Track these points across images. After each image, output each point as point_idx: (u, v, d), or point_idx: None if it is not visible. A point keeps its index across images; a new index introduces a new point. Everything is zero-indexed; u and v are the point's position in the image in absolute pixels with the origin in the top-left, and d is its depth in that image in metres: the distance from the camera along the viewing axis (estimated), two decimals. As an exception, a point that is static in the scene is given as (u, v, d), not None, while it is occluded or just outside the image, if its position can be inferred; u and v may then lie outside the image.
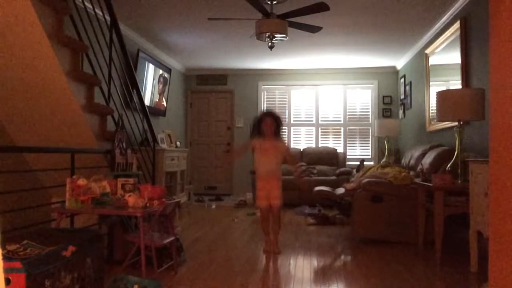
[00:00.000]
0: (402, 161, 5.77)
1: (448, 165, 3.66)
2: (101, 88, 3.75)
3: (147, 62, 6.35)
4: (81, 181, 2.86)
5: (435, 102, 3.88)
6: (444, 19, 5.09)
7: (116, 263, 3.14)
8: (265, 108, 8.18)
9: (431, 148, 4.70)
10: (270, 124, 3.77)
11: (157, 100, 6.83)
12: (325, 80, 8.28)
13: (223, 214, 6.15)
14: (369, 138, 8.26)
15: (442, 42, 5.27)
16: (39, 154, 3.49)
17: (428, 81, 5.90)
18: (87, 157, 3.52)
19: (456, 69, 4.66)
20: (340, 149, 8.12)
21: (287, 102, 8.49)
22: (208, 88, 8.65)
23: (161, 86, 6.93)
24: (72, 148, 3.36)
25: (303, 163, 7.56)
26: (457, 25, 4.66)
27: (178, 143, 7.14)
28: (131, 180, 3.06)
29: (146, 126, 4.65)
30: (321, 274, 3.22)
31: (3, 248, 2.08)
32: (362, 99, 8.33)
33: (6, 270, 1.81)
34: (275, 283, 2.98)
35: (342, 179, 6.65)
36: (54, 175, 3.27)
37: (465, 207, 3.24)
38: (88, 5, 4.06)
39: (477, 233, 3.03)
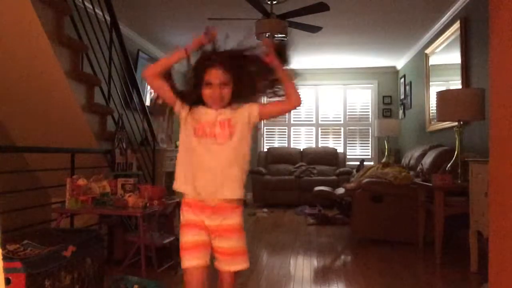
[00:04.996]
0: (402, 161, 5.76)
1: (448, 165, 3.66)
2: (101, 88, 3.75)
3: (149, 63, 6.35)
4: (81, 181, 2.86)
5: (435, 102, 3.88)
6: (444, 19, 5.09)
7: (116, 263, 3.14)
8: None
9: (431, 148, 4.70)
10: (222, 76, 1.66)
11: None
12: (325, 80, 8.28)
13: (223, 214, 6.14)
14: (369, 138, 8.26)
15: (442, 42, 5.27)
16: (39, 154, 3.49)
17: (428, 81, 5.90)
18: (87, 157, 3.52)
19: (456, 69, 4.66)
20: (340, 149, 8.11)
21: (287, 102, 8.48)
22: (208, 88, 8.64)
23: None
24: (72, 148, 3.36)
25: (303, 163, 7.56)
26: (457, 25, 4.66)
27: (178, 143, 7.14)
28: (131, 180, 3.07)
29: (146, 126, 4.65)
30: (321, 274, 3.22)
31: (3, 248, 2.08)
32: (362, 99, 8.33)
33: (6, 270, 1.81)
34: (275, 283, 2.98)
35: (342, 179, 6.66)
36: (54, 175, 3.27)
37: (465, 207, 3.24)
38: (88, 5, 4.06)
39: (477, 233, 3.03)
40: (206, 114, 1.69)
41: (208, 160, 1.64)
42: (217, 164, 1.64)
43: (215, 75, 1.65)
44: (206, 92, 1.66)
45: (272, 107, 1.77)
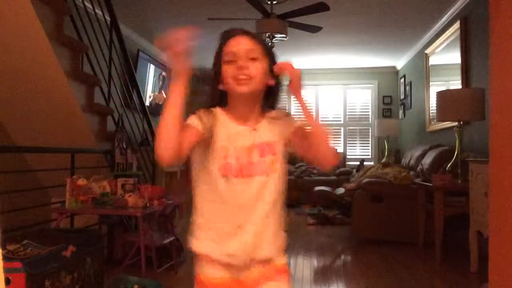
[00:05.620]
0: (402, 161, 5.76)
1: (448, 165, 3.66)
2: (101, 88, 3.74)
3: (149, 64, 6.35)
4: (81, 181, 2.86)
5: (435, 102, 3.88)
6: (444, 19, 5.09)
7: (116, 263, 3.14)
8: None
9: (431, 148, 4.69)
10: (250, 44, 1.14)
11: (157, 93, 6.86)
12: (325, 80, 8.28)
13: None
14: (369, 138, 8.26)
15: (442, 42, 5.27)
16: (39, 154, 3.48)
17: (428, 81, 5.89)
18: (87, 157, 3.52)
19: (456, 69, 4.66)
20: (340, 149, 8.12)
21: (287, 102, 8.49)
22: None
23: (161, 83, 6.97)
24: (72, 148, 3.36)
25: (303, 163, 7.56)
26: (457, 25, 4.66)
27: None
28: (131, 180, 3.06)
29: (146, 126, 4.65)
30: (321, 274, 3.22)
31: (3, 248, 2.08)
32: (362, 99, 8.33)
33: (6, 270, 1.81)
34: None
35: (342, 179, 6.66)
36: (54, 175, 3.27)
37: (465, 207, 3.24)
38: (88, 5, 4.06)
39: (477, 233, 3.03)
40: (236, 134, 1.13)
41: (244, 207, 1.11)
42: (258, 213, 1.12)
43: (239, 42, 1.13)
44: (227, 72, 1.12)
45: (301, 141, 1.16)
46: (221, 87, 1.15)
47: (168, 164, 1.05)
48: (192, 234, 1.17)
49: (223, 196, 1.11)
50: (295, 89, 1.14)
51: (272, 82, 1.16)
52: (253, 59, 1.12)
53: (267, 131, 1.16)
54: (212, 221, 1.13)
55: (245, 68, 1.10)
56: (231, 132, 1.13)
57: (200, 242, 1.15)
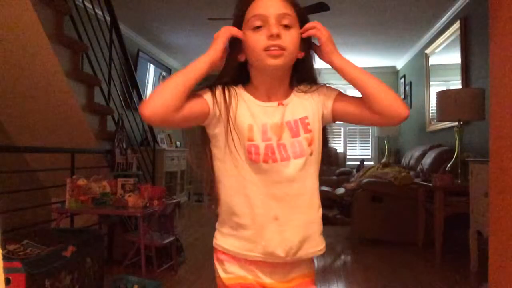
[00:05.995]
0: (402, 161, 5.76)
1: (448, 165, 3.66)
2: (101, 88, 3.75)
3: (149, 64, 6.36)
4: (81, 181, 2.86)
5: (435, 102, 3.88)
6: (444, 19, 5.09)
7: (116, 263, 3.14)
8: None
9: (431, 148, 4.70)
10: (282, 6, 0.96)
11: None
12: (325, 80, 8.23)
13: (223, 214, 6.13)
14: (369, 138, 8.26)
15: (442, 42, 5.27)
16: (39, 154, 3.49)
17: (428, 81, 5.90)
18: (87, 157, 3.52)
19: (456, 69, 4.66)
20: (340, 149, 8.12)
21: (287, 102, 8.49)
22: (208, 88, 8.64)
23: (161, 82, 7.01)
24: (72, 148, 3.36)
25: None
26: (457, 25, 4.66)
27: (178, 143, 7.15)
28: (131, 180, 3.06)
29: (146, 126, 4.65)
30: (321, 274, 3.21)
31: (3, 248, 2.08)
32: (362, 99, 8.33)
33: (6, 270, 1.81)
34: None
35: (342, 179, 6.65)
36: (54, 175, 3.27)
37: (465, 207, 3.24)
38: (88, 5, 4.06)
39: (477, 233, 3.03)
40: (262, 111, 0.97)
41: (281, 197, 0.96)
42: (297, 203, 0.98)
43: (270, 2, 0.94)
44: (256, 41, 0.93)
45: (353, 103, 1.08)
46: (242, 58, 0.98)
47: (150, 122, 0.94)
48: (218, 229, 1.02)
49: (254, 185, 0.95)
50: (329, 52, 1.01)
51: (301, 54, 1.01)
52: (286, 26, 0.94)
53: (298, 106, 1.00)
54: (242, 214, 0.96)
55: (278, 37, 0.92)
56: (256, 109, 0.97)
57: (227, 239, 0.99)
